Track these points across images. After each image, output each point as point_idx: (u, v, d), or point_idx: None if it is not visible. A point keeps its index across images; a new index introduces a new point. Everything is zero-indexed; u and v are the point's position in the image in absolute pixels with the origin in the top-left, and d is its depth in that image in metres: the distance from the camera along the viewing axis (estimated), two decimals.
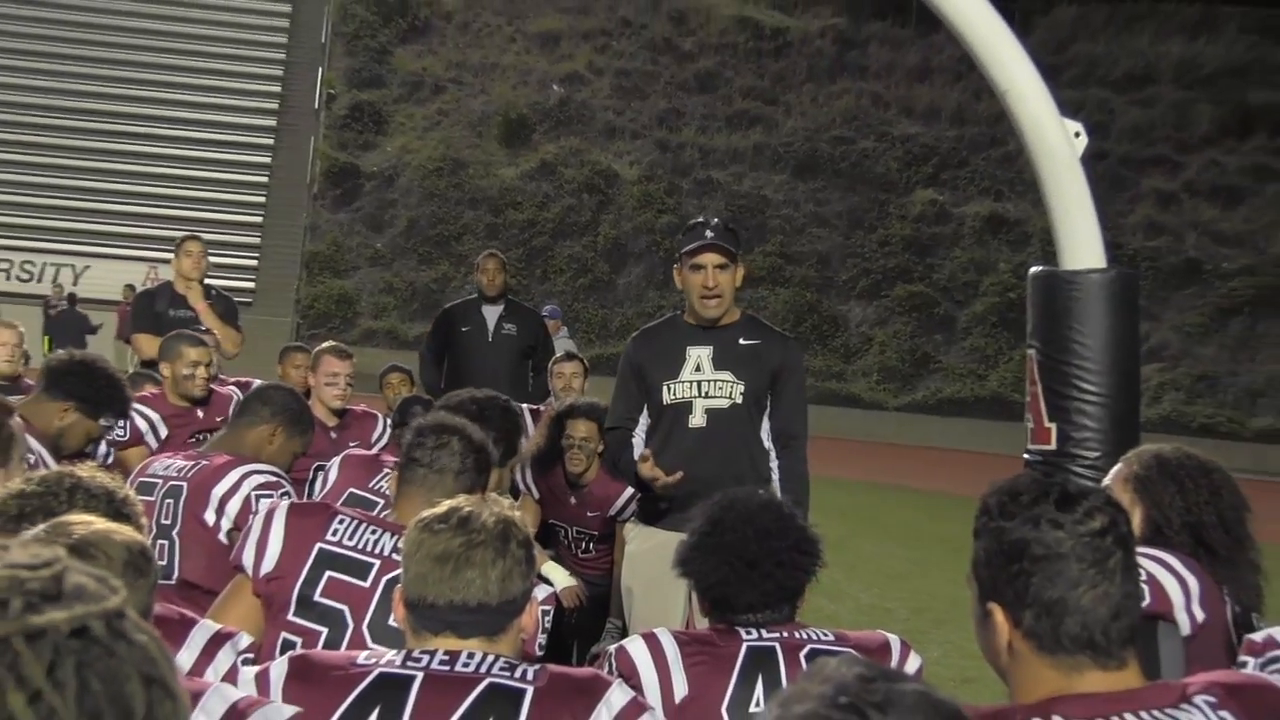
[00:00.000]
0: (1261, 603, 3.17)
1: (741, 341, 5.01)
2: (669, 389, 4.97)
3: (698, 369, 4.97)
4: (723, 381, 4.95)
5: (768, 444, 5.01)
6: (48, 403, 4.54)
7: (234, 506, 4.16)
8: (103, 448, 5.22)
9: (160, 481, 4.29)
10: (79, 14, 35.18)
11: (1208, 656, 2.94)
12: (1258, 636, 2.42)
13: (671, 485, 4.80)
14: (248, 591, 3.27)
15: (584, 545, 6.06)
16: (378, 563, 3.20)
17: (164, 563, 4.05)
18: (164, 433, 5.75)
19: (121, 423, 5.68)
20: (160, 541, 4.11)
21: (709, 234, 5.01)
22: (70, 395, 4.57)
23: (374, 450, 5.67)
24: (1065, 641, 1.91)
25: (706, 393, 4.96)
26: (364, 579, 3.20)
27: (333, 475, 4.97)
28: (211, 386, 6.15)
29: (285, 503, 3.45)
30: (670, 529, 4.82)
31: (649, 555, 4.94)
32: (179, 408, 5.99)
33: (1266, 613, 3.13)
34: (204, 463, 4.33)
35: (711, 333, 5.00)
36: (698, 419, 4.95)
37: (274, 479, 4.27)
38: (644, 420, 5.07)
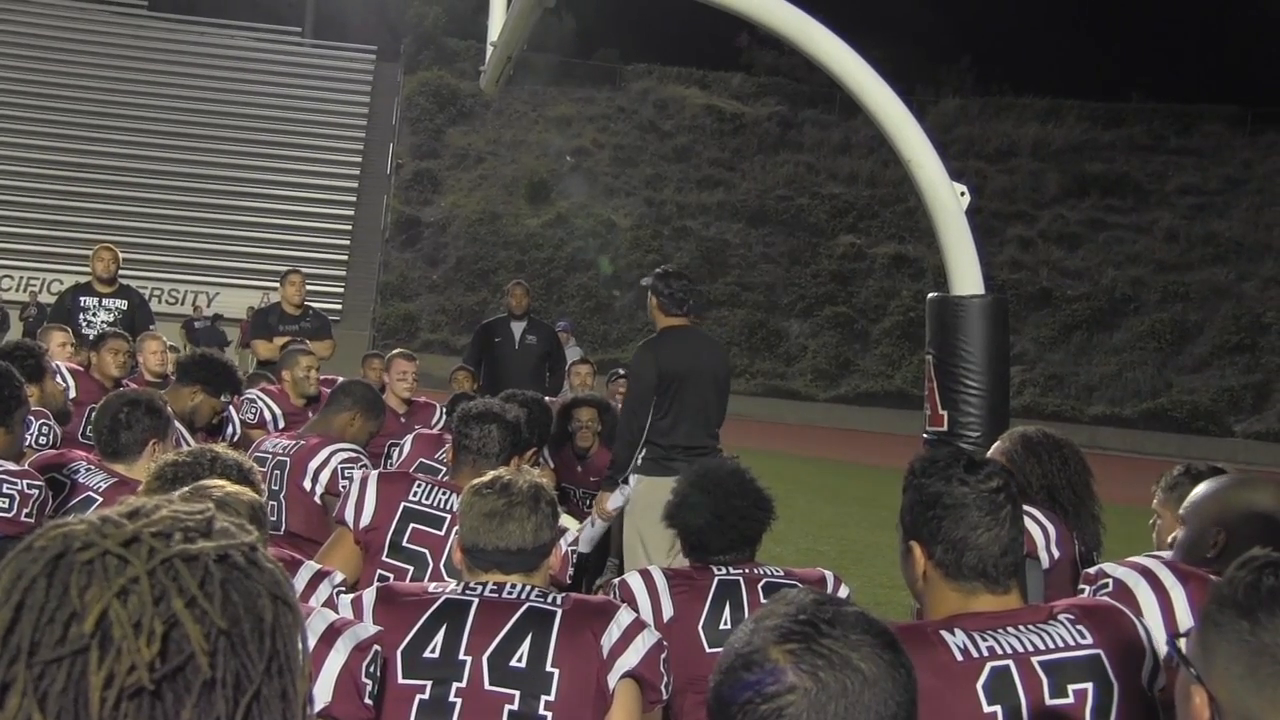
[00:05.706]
0: (1100, 544, 3.19)
1: None
2: None
3: None
4: None
5: None
6: (182, 389, 4.50)
7: (325, 476, 4.13)
8: (234, 429, 5.17)
9: (270, 456, 4.27)
10: (217, 105, 35.06)
11: (1060, 584, 2.96)
12: (1091, 570, 2.44)
13: None
14: (349, 540, 3.25)
15: (588, 502, 6.04)
16: (448, 517, 3.18)
17: (274, 518, 4.03)
18: (282, 425, 5.66)
19: (254, 409, 5.66)
20: (271, 502, 4.08)
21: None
22: (196, 381, 4.53)
23: (435, 430, 5.65)
24: (965, 571, 1.90)
25: None
26: (439, 529, 3.19)
27: (407, 448, 4.90)
28: (321, 389, 6.05)
29: (375, 472, 3.42)
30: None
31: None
32: (296, 408, 5.90)
33: (1104, 552, 3.15)
34: (302, 442, 4.30)
35: None
36: None
37: (354, 454, 4.23)
38: None
